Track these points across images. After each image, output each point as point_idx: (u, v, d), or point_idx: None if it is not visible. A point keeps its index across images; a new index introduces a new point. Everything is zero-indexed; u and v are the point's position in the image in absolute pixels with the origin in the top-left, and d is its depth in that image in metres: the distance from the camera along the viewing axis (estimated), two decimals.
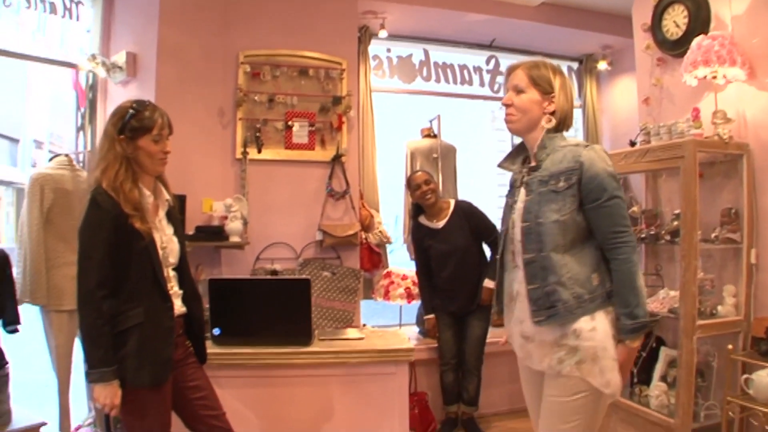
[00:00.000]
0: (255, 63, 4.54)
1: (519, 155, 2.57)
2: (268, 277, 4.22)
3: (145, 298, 2.47)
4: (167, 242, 2.63)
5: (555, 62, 2.50)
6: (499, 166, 2.67)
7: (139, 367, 2.43)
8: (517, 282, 2.41)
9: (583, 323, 2.24)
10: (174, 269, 2.69)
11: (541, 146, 2.38)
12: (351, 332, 3.78)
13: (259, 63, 4.55)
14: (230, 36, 4.54)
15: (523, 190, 2.42)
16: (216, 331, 3.35)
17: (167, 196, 2.71)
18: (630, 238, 2.28)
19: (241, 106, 4.48)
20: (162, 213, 2.67)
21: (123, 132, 2.49)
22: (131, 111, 2.52)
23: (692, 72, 3.62)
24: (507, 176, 2.62)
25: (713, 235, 3.66)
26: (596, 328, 2.25)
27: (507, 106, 2.43)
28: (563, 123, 2.41)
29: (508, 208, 2.52)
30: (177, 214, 2.80)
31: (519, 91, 2.40)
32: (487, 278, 4.36)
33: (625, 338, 2.26)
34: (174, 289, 2.63)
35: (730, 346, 3.44)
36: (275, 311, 3.41)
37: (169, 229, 2.68)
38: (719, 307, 3.64)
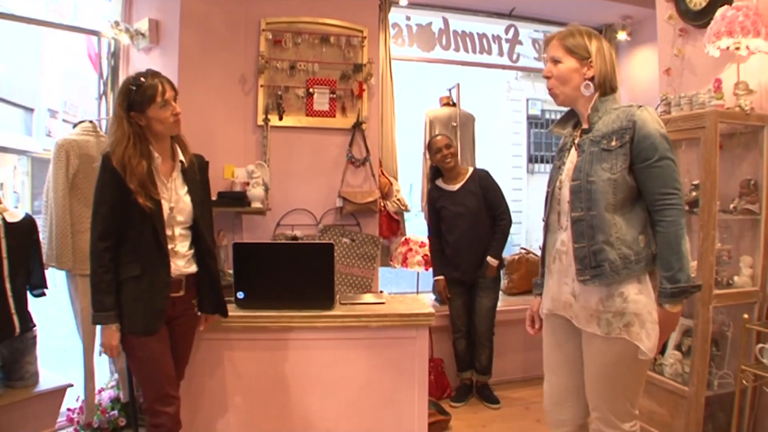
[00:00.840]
0: (277, 30, 4.55)
1: (570, 120, 2.59)
2: (292, 241, 4.27)
3: (145, 253, 2.70)
4: (177, 202, 2.80)
5: None
6: (551, 131, 2.69)
7: (132, 315, 2.70)
8: (563, 241, 2.44)
9: (630, 286, 2.27)
10: (188, 227, 2.87)
11: (594, 108, 2.39)
12: (372, 297, 3.82)
13: (281, 30, 4.56)
14: (252, 3, 4.55)
15: (573, 152, 2.45)
16: (240, 295, 3.40)
17: (181, 157, 2.85)
18: (678, 200, 2.28)
19: (263, 73, 4.51)
20: (177, 173, 2.84)
21: (132, 108, 2.67)
22: (133, 87, 2.69)
23: (715, 42, 3.59)
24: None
25: (731, 206, 3.66)
26: (642, 291, 2.28)
27: (548, 78, 2.46)
28: (606, 86, 2.40)
29: (555, 170, 2.55)
30: (194, 174, 2.93)
31: (556, 61, 2.42)
32: (490, 255, 4.45)
33: (665, 302, 2.28)
34: (178, 247, 2.82)
35: (745, 316, 3.46)
36: (298, 275, 3.45)
37: (182, 189, 2.84)
38: (735, 278, 3.65)
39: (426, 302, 3.84)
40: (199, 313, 3.07)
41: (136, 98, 2.67)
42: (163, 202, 2.74)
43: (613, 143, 2.30)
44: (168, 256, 2.75)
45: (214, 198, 4.03)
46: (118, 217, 2.66)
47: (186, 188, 2.86)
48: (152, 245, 2.70)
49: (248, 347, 3.42)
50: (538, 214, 11.05)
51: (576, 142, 2.45)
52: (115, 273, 2.69)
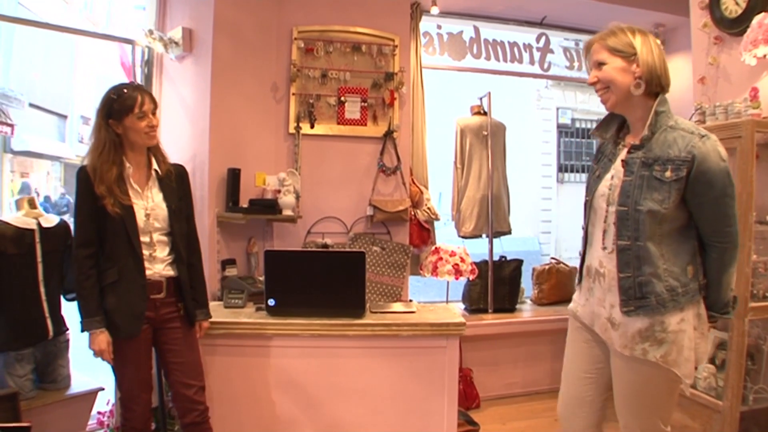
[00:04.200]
0: (308, 39, 4.57)
1: (612, 124, 2.46)
2: (323, 249, 4.28)
3: (121, 259, 2.80)
4: (153, 209, 2.90)
5: None
6: (592, 135, 2.58)
7: (114, 320, 2.80)
8: (602, 262, 2.37)
9: (672, 317, 2.22)
10: (167, 234, 2.95)
11: (648, 123, 2.23)
12: (402, 306, 3.81)
13: (313, 39, 4.58)
14: (284, 11, 4.57)
15: (620, 167, 2.31)
16: (271, 302, 3.42)
17: (155, 167, 2.96)
18: (728, 240, 2.25)
19: (295, 82, 4.52)
20: (153, 182, 2.95)
21: (110, 117, 2.79)
22: (113, 96, 2.80)
23: (752, 51, 3.54)
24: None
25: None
26: (684, 319, 2.23)
27: (594, 84, 2.33)
28: (657, 84, 2.24)
29: (595, 179, 2.44)
30: (171, 183, 3.01)
31: (601, 64, 2.27)
32: None
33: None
34: (156, 253, 2.90)
35: None
36: (329, 283, 3.46)
37: (158, 196, 2.93)
38: None
39: (456, 312, 3.83)
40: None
41: (115, 107, 2.78)
42: (136, 208, 2.83)
43: (668, 174, 2.17)
44: (142, 260, 2.84)
45: (245, 205, 4.08)
46: (96, 225, 2.78)
47: (162, 195, 2.95)
48: (127, 251, 2.80)
49: (279, 354, 3.43)
50: (568, 224, 11.10)
51: (624, 159, 2.31)
52: (98, 279, 2.80)
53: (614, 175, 2.33)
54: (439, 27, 5.59)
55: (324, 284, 3.45)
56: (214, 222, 4.16)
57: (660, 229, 2.20)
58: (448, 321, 3.49)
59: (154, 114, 2.86)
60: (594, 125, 2.61)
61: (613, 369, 2.39)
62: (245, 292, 3.75)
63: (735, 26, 3.95)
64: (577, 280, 2.61)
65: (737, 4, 3.95)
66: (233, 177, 4.15)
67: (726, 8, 4.03)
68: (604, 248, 2.35)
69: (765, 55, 3.54)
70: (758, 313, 3.45)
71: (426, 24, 5.41)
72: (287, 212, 4.20)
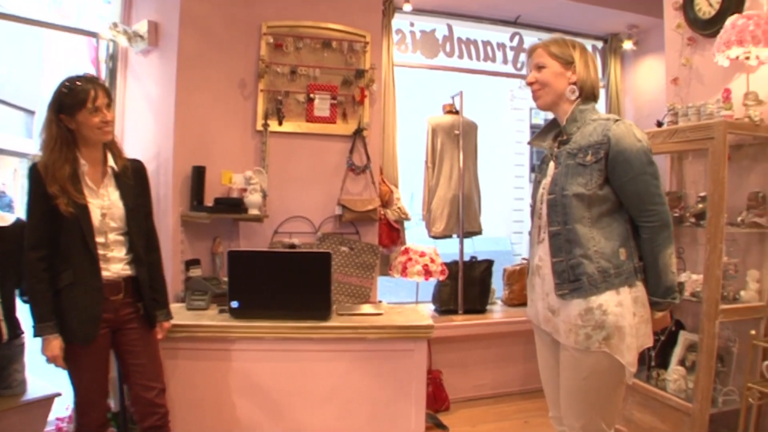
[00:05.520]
0: (278, 34, 4.47)
1: (550, 131, 2.60)
2: (288, 250, 4.19)
3: (75, 260, 2.68)
4: (109, 207, 2.78)
5: (580, 40, 2.56)
6: (530, 143, 2.76)
7: (69, 324, 2.68)
8: (540, 256, 2.44)
9: (609, 298, 2.26)
10: (124, 233, 2.84)
11: (572, 119, 2.42)
12: (369, 308, 3.74)
13: (282, 34, 4.48)
14: (253, 6, 4.48)
15: (552, 164, 2.48)
16: (234, 304, 3.33)
17: (111, 163, 2.82)
18: (656, 218, 2.31)
19: (263, 78, 4.43)
20: (109, 179, 2.83)
21: (62, 111, 2.66)
22: (64, 90, 2.68)
23: (725, 52, 3.53)
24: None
25: (739, 219, 3.59)
26: (622, 303, 2.27)
27: (531, 84, 2.48)
28: (589, 93, 2.44)
29: (537, 184, 2.55)
30: (128, 180, 2.89)
31: (540, 67, 2.45)
32: None
33: (652, 308, 2.37)
34: (113, 253, 2.79)
35: (752, 332, 3.41)
36: (295, 285, 3.38)
37: (115, 194, 2.82)
38: (742, 293, 3.59)
39: (425, 314, 3.77)
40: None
41: (67, 101, 2.66)
42: (92, 207, 2.72)
43: (589, 158, 2.32)
44: (98, 261, 2.73)
45: (210, 204, 3.99)
46: (49, 226, 2.66)
47: (118, 193, 2.84)
48: (82, 252, 2.69)
49: (242, 358, 3.35)
50: None
51: (554, 153, 2.48)
52: (52, 282, 2.68)
53: (548, 175, 2.48)
54: (411, 24, 5.54)
55: (289, 286, 3.38)
56: (178, 221, 4.06)
57: (589, 213, 2.31)
58: (416, 324, 3.44)
59: (108, 109, 2.75)
60: None
61: (560, 366, 2.43)
62: (209, 293, 3.66)
63: (708, 27, 3.97)
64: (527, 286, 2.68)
65: (711, 5, 3.97)
66: (198, 175, 4.05)
67: (699, 9, 4.04)
68: (540, 241, 2.45)
69: (737, 57, 3.55)
70: (728, 315, 3.45)
71: (398, 21, 5.36)
72: (253, 211, 4.11)
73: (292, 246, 4.32)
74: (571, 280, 2.30)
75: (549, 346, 2.53)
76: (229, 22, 4.39)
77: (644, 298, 2.35)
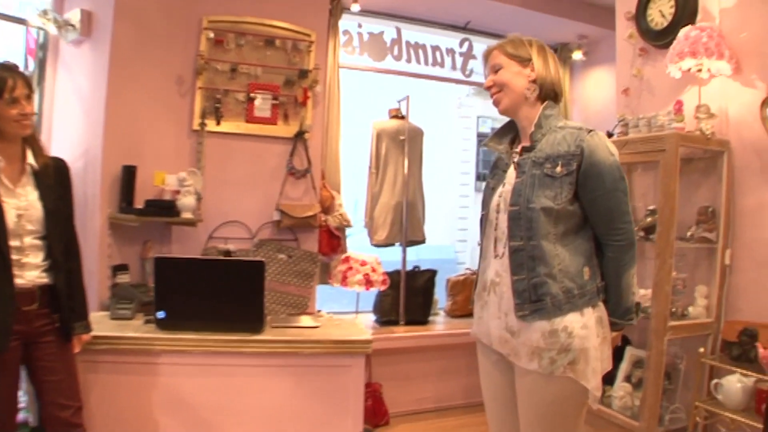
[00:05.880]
0: (219, 29, 4.26)
1: (507, 134, 2.43)
2: (220, 257, 3.99)
3: None
4: (26, 209, 2.56)
5: None
6: (485, 145, 2.52)
7: None
8: (497, 271, 2.24)
9: (574, 320, 2.11)
10: (42, 237, 2.61)
11: (537, 125, 2.24)
12: (306, 320, 3.58)
13: (224, 30, 4.28)
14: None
15: (512, 171, 2.27)
16: (160, 314, 3.12)
17: (30, 160, 2.61)
18: (623, 237, 2.18)
19: (202, 75, 4.21)
20: (27, 178, 2.62)
21: None
22: None
23: (678, 63, 3.50)
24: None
25: (688, 234, 3.57)
26: (587, 325, 2.12)
27: (489, 88, 2.32)
28: (549, 92, 2.28)
29: (489, 191, 2.37)
30: (49, 179, 2.67)
31: (497, 69, 2.29)
32: None
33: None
34: (28, 258, 2.56)
35: (701, 350, 3.37)
36: (225, 295, 3.19)
37: (33, 195, 2.60)
38: (690, 308, 3.56)
39: (364, 327, 3.62)
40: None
41: None
42: (6, 208, 2.50)
43: (559, 169, 2.15)
44: (11, 267, 2.49)
45: (141, 206, 3.78)
46: None
47: (37, 194, 2.62)
48: None
49: (168, 373, 3.15)
50: None
51: (516, 160, 2.28)
52: None
53: (506, 182, 2.28)
54: (359, 26, 5.41)
55: (220, 296, 3.19)
56: (105, 223, 3.84)
57: (555, 229, 2.14)
58: (354, 338, 3.29)
59: (28, 100, 2.53)
60: None
61: (518, 391, 2.24)
62: (135, 301, 3.45)
63: (661, 38, 3.96)
64: (471, 300, 2.50)
65: (663, 16, 3.96)
66: (128, 175, 3.83)
67: (652, 20, 4.03)
68: (497, 255, 2.25)
69: (689, 69, 3.52)
70: (677, 332, 3.41)
71: (346, 22, 5.23)
72: (186, 215, 3.90)
73: (227, 252, 4.13)
74: (533, 300, 2.12)
75: (499, 367, 2.34)
76: (168, 14, 4.18)
77: (606, 318, 2.22)
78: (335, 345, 3.24)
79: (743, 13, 3.59)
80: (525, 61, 2.25)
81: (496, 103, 2.32)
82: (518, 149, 2.31)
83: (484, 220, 2.38)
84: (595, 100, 5.88)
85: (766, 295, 3.40)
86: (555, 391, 2.13)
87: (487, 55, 2.35)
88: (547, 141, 2.21)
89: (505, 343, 2.23)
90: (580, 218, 2.19)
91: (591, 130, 2.18)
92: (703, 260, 3.67)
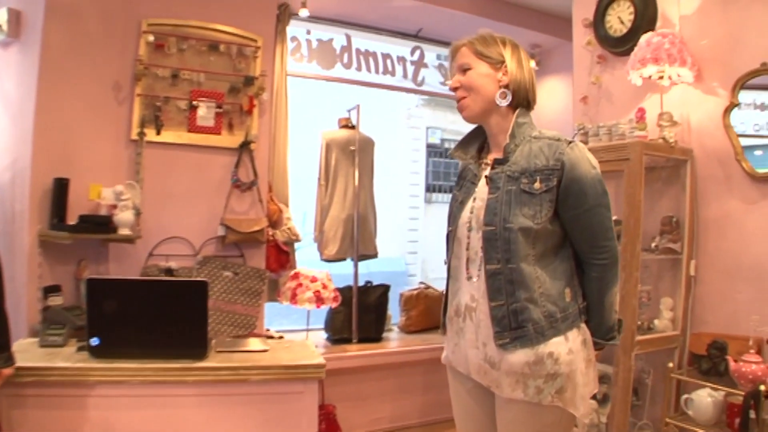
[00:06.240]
0: (160, 33, 4.02)
1: (473, 143, 2.23)
2: (157, 278, 3.74)
3: None
4: None
5: None
6: (451, 155, 2.30)
7: None
8: (473, 296, 2.06)
9: (559, 346, 1.94)
10: None
11: (511, 135, 2.05)
12: (254, 343, 3.35)
13: (165, 33, 4.04)
14: (133, 0, 4.02)
15: (483, 186, 2.07)
16: (94, 341, 2.85)
17: None
18: (607, 255, 2.02)
19: (141, 81, 3.96)
20: None
21: None
22: None
23: (639, 70, 3.43)
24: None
25: (653, 245, 3.49)
26: (572, 350, 1.96)
27: (455, 90, 2.10)
28: (523, 99, 2.09)
29: (458, 205, 2.16)
30: None
31: (465, 69, 2.08)
32: None
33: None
34: None
35: (670, 364, 3.28)
36: (165, 318, 2.93)
37: None
38: (656, 321, 3.49)
39: (315, 350, 3.40)
40: None
41: None
42: None
43: (537, 185, 1.97)
44: None
45: (74, 222, 3.52)
46: None
47: None
48: None
49: (104, 406, 2.86)
50: (435, 245, 11.04)
51: (487, 174, 2.07)
52: None
53: (477, 197, 2.09)
54: (308, 32, 5.27)
55: (159, 319, 2.94)
56: (35, 241, 3.55)
57: (534, 250, 1.97)
58: (306, 362, 3.07)
59: None
60: None
61: (500, 421, 2.06)
62: (68, 325, 3.18)
63: (620, 45, 3.92)
64: (441, 324, 2.29)
65: (622, 22, 3.91)
66: (60, 188, 3.56)
67: (611, 27, 3.98)
68: (470, 278, 2.07)
69: (650, 76, 3.46)
70: (644, 347, 3.34)
71: (294, 29, 5.07)
72: (124, 231, 3.64)
73: (169, 270, 3.88)
74: (513, 327, 1.95)
75: (474, 395, 2.16)
76: (104, 15, 3.92)
77: (590, 339, 2.05)
78: (286, 370, 3.01)
79: (703, 20, 3.56)
80: (497, 63, 2.06)
81: (461, 109, 2.12)
82: (489, 161, 2.12)
83: (451, 238, 2.18)
84: (549, 110, 5.79)
85: (732, 306, 3.35)
86: (542, 420, 1.96)
87: (453, 52, 2.15)
88: (521, 153, 2.03)
89: (485, 374, 2.05)
90: (560, 237, 2.03)
91: (570, 141, 2.01)
92: (667, 271, 3.61)
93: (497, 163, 2.05)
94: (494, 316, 1.98)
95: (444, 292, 2.26)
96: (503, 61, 2.06)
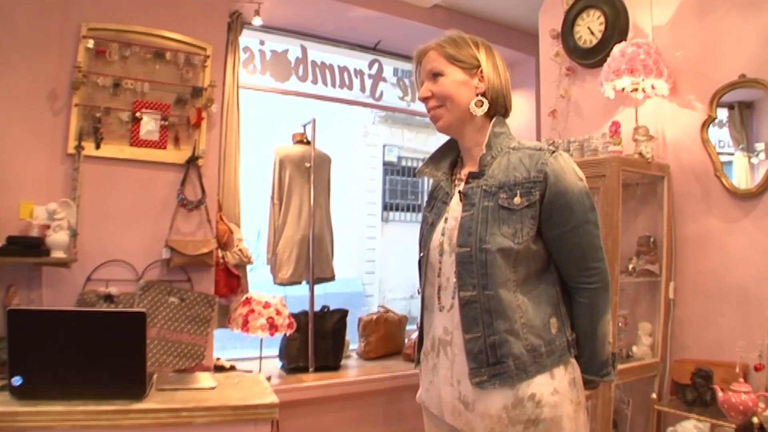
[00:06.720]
0: (101, 38, 3.72)
1: (445, 158, 2.02)
2: (88, 308, 3.41)
3: None
4: None
5: None
6: (419, 173, 2.06)
7: None
8: (446, 328, 1.82)
9: (542, 386, 1.70)
10: None
11: (488, 145, 1.85)
12: (200, 378, 3.05)
13: (106, 39, 3.74)
14: (72, 2, 3.72)
15: (457, 203, 1.86)
16: (16, 381, 2.52)
17: None
18: (598, 278, 1.79)
19: (79, 90, 3.65)
20: None
21: None
22: None
23: (614, 81, 3.28)
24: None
25: (630, 267, 3.32)
26: (558, 390, 1.71)
27: (426, 99, 1.88)
28: (501, 106, 1.90)
29: (429, 227, 1.94)
30: None
31: (436, 75, 1.87)
32: None
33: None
34: None
35: (653, 395, 3.13)
36: (98, 354, 2.61)
37: None
38: (634, 348, 3.32)
39: (268, 385, 3.11)
40: None
41: None
42: None
43: (517, 200, 1.76)
44: None
45: (1, 244, 3.19)
46: None
47: None
48: None
49: None
50: (392, 264, 10.84)
51: (461, 189, 1.86)
52: None
53: (450, 216, 1.88)
54: (262, 43, 5.05)
55: (91, 355, 2.62)
56: None
57: (515, 274, 1.75)
58: (257, 402, 2.77)
59: None
60: (421, 163, 2.10)
61: None
62: None
63: (590, 56, 3.80)
64: (415, 360, 2.04)
65: (592, 33, 3.77)
66: None
67: (580, 37, 3.83)
68: (442, 308, 1.84)
69: (623, 88, 3.34)
70: (624, 377, 3.16)
71: (247, 39, 4.84)
72: (58, 254, 3.32)
73: (109, 297, 3.56)
74: (492, 363, 1.71)
75: None
76: (40, 17, 3.62)
77: (579, 378, 1.81)
78: (234, 412, 2.71)
79: (677, 30, 3.44)
80: (472, 69, 1.86)
81: (434, 119, 1.92)
82: (463, 175, 1.90)
83: (423, 264, 1.94)
84: (511, 126, 5.63)
85: (715, 331, 3.20)
86: None
87: (420, 57, 1.93)
88: (499, 165, 1.82)
89: (459, 415, 1.80)
90: (544, 259, 1.81)
91: (554, 151, 1.81)
92: (644, 294, 3.46)
93: (472, 177, 1.85)
94: (469, 350, 1.74)
95: (419, 325, 2.02)
96: (478, 66, 1.86)
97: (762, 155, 3.15)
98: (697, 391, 2.95)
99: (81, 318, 2.77)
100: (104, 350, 2.62)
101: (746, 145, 3.23)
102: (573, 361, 1.80)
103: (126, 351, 2.62)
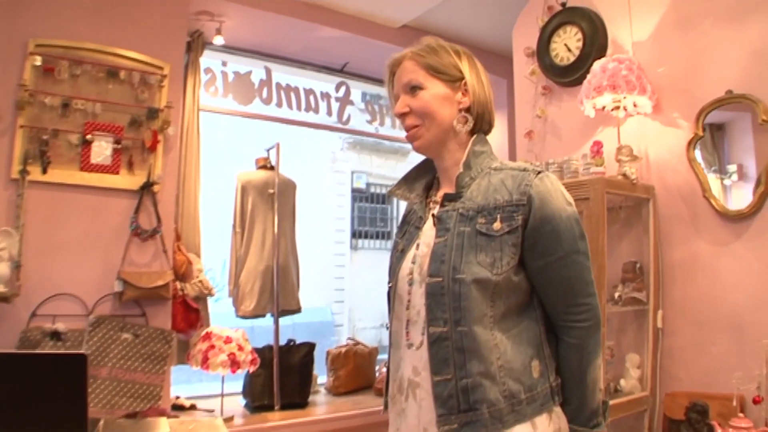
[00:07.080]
0: (49, 55, 3.52)
1: (420, 179, 1.82)
2: (20, 351, 3.16)
3: None
4: None
5: None
6: (391, 194, 1.85)
7: None
8: (415, 368, 1.60)
9: None
10: None
11: (466, 164, 1.66)
12: (152, 426, 2.79)
13: (55, 56, 3.54)
14: (19, 16, 3.51)
15: (430, 228, 1.66)
16: None
17: None
18: (589, 315, 1.58)
19: (24, 110, 3.43)
20: None
21: None
22: None
23: (595, 98, 3.15)
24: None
25: (616, 295, 3.15)
26: None
27: (403, 116, 1.68)
28: (485, 123, 1.72)
29: (399, 254, 1.73)
30: None
31: (415, 88, 1.67)
32: None
33: None
34: None
35: None
36: (33, 403, 2.36)
37: None
38: (622, 381, 3.15)
39: (225, 431, 2.86)
40: None
41: None
42: None
43: (497, 225, 1.56)
44: None
45: None
46: None
47: None
48: None
49: None
50: (361, 293, 10.63)
51: (435, 213, 1.67)
52: None
53: (422, 242, 1.68)
54: (224, 64, 4.91)
55: (24, 404, 2.35)
56: None
57: (492, 309, 1.55)
58: None
59: None
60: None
61: None
62: None
63: (567, 74, 3.68)
64: (384, 404, 1.81)
65: (569, 50, 3.66)
66: None
67: (557, 55, 3.72)
68: (410, 345, 1.62)
69: (604, 107, 3.20)
70: (611, 413, 2.90)
71: (209, 60, 4.68)
72: None
73: (56, 333, 3.32)
74: (463, 410, 1.49)
75: None
76: None
77: (565, 427, 1.60)
78: None
79: (659, 46, 3.32)
80: (455, 81, 1.67)
81: (412, 138, 1.71)
82: (438, 198, 1.71)
83: (392, 295, 1.74)
84: None
85: (707, 361, 3.03)
86: None
87: (394, 67, 1.74)
88: (478, 187, 1.64)
89: None
90: (526, 293, 1.61)
91: (540, 171, 1.62)
92: (630, 324, 3.30)
93: (447, 199, 1.66)
94: (438, 394, 1.53)
95: (386, 363, 1.82)
96: (462, 78, 1.67)
97: (735, 177, 3.06)
98: (693, 427, 2.77)
99: (12, 362, 2.51)
100: (39, 398, 2.37)
101: (719, 167, 3.13)
102: (558, 409, 1.60)
103: (65, 398, 2.36)
